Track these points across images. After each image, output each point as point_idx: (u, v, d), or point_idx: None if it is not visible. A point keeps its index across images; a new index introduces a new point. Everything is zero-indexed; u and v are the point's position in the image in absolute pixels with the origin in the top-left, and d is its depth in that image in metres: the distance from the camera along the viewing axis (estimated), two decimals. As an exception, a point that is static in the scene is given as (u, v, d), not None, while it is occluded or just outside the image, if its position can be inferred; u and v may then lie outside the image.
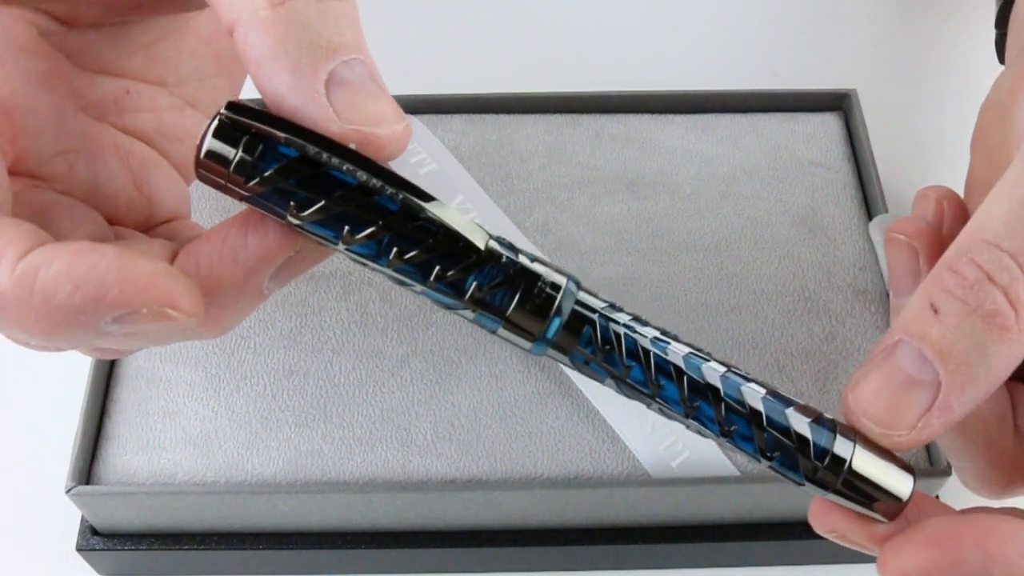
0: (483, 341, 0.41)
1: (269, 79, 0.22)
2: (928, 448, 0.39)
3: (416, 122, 0.47)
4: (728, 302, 0.42)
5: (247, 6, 0.22)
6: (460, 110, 0.48)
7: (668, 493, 0.37)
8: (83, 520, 0.39)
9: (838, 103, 0.48)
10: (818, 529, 0.25)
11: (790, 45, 0.57)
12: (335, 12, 0.23)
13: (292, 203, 0.22)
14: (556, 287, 0.24)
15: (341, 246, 0.23)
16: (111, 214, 0.28)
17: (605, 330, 0.24)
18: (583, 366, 0.24)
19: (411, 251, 0.23)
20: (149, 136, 0.29)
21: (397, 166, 0.49)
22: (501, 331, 0.24)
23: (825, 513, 0.25)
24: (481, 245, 0.23)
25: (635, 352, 0.24)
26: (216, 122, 0.22)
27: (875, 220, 0.44)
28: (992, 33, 0.43)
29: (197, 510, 0.38)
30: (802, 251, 0.43)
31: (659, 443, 0.38)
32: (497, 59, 0.55)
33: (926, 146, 0.52)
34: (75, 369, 0.41)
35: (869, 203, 0.45)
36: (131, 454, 0.38)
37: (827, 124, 0.48)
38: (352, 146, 0.23)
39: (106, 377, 0.40)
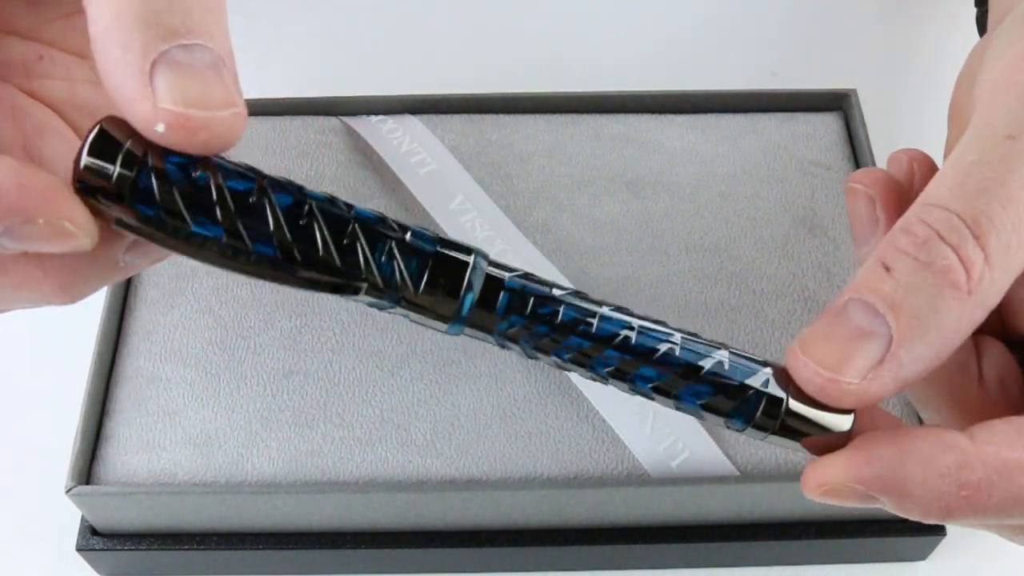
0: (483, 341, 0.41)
1: (101, 56, 0.21)
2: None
3: (416, 122, 0.47)
4: (728, 302, 0.42)
5: None
6: (460, 110, 0.48)
7: (668, 493, 0.37)
8: (83, 520, 0.39)
9: (838, 103, 0.48)
10: (812, 490, 0.24)
11: (790, 45, 0.57)
12: None
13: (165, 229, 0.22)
14: (463, 264, 0.23)
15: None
16: None
17: (523, 299, 0.23)
18: (505, 341, 0.24)
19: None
20: (59, 105, 0.28)
21: (398, 167, 0.49)
22: (413, 316, 0.24)
23: (816, 471, 0.24)
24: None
25: (552, 318, 0.24)
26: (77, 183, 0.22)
27: (875, 220, 0.44)
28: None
29: (197, 510, 0.38)
30: (802, 251, 0.43)
31: (659, 443, 0.38)
32: (497, 59, 0.55)
33: (926, 146, 0.52)
34: (75, 369, 0.41)
35: (869, 203, 0.45)
36: (131, 454, 0.38)
37: (827, 124, 0.48)
38: (160, 128, 0.21)
39: (106, 377, 0.40)
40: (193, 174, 0.22)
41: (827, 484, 0.23)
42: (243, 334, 0.41)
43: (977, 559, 0.41)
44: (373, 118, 0.47)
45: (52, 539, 0.41)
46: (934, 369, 0.25)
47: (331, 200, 0.23)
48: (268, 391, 0.40)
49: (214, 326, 0.41)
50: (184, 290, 0.42)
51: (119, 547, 0.39)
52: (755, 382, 0.24)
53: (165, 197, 0.22)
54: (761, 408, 0.24)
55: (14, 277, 0.23)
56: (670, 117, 0.48)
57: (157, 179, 0.22)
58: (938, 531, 0.39)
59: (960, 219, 0.22)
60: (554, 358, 0.24)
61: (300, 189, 0.23)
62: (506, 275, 0.24)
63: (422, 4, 0.58)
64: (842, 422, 0.23)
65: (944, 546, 0.41)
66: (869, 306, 0.23)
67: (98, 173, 0.22)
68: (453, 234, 0.42)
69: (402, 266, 0.23)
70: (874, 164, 0.45)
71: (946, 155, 0.29)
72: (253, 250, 0.23)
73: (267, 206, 0.22)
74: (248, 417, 0.39)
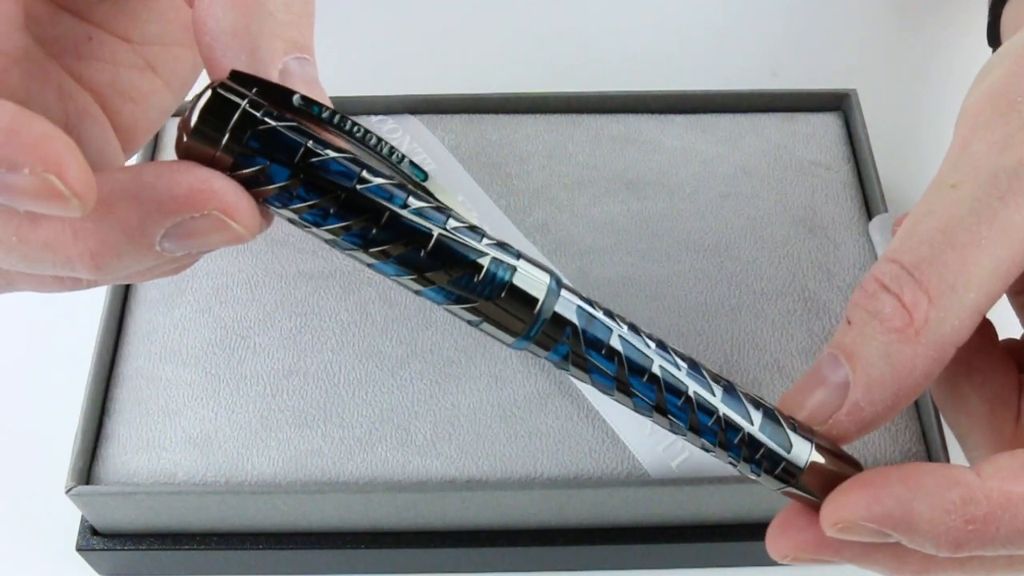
0: (483, 341, 0.41)
1: (224, 54, 0.22)
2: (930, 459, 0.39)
3: (416, 122, 0.47)
4: (728, 302, 0.42)
5: None
6: (460, 110, 0.48)
7: (668, 493, 0.37)
8: (83, 520, 0.39)
9: (838, 103, 0.48)
10: (775, 555, 0.26)
11: (790, 45, 0.57)
12: (300, 10, 0.23)
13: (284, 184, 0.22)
14: (540, 283, 0.24)
15: (325, 234, 0.23)
16: None
17: (589, 328, 0.24)
18: (564, 362, 0.24)
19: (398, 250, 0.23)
20: (103, 90, 0.28)
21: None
22: (484, 326, 0.24)
23: (777, 542, 0.26)
24: (485, 263, 0.23)
25: (613, 350, 0.24)
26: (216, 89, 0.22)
27: (875, 220, 0.44)
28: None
29: (197, 510, 0.38)
30: (802, 251, 0.43)
31: (659, 443, 0.38)
32: (497, 59, 0.55)
33: (926, 146, 0.52)
34: (75, 369, 0.41)
35: (869, 203, 0.45)
36: (131, 454, 0.38)
37: (827, 124, 0.48)
38: None
39: (106, 377, 0.40)
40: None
41: (842, 521, 0.24)
42: (243, 334, 0.41)
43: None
44: (373, 118, 0.47)
45: (52, 539, 0.41)
46: (976, 401, 0.27)
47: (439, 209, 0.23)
48: (268, 391, 0.40)
49: (214, 326, 0.41)
50: (184, 290, 0.42)
51: (119, 547, 0.39)
52: (787, 435, 0.25)
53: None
54: (780, 468, 0.25)
55: (44, 233, 0.22)
56: (670, 117, 0.48)
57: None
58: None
59: (903, 268, 0.25)
60: (608, 387, 0.25)
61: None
62: (578, 300, 0.24)
63: (422, 4, 0.58)
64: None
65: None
66: (834, 357, 0.25)
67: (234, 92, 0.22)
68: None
69: (484, 276, 0.23)
70: (874, 164, 0.45)
71: None
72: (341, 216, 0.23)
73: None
74: (248, 417, 0.39)
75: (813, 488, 0.25)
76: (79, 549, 0.39)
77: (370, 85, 0.49)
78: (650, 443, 0.38)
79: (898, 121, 0.53)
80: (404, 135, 0.46)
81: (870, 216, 0.45)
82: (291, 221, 0.23)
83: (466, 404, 0.39)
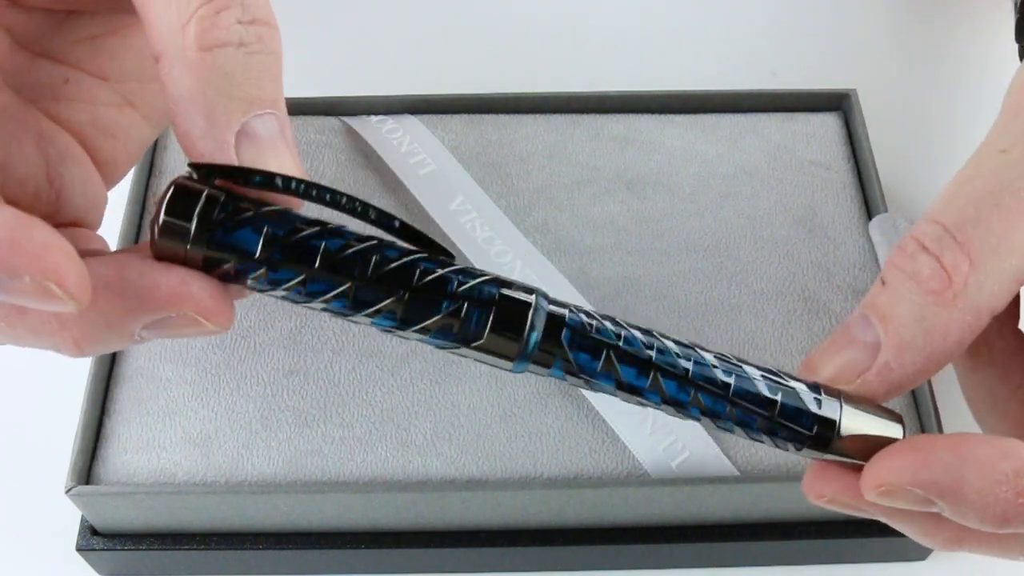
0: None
1: (183, 119, 0.23)
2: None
3: (416, 122, 0.47)
4: (728, 302, 0.42)
5: (175, 42, 0.23)
6: (460, 110, 0.48)
7: (668, 493, 0.37)
8: (83, 520, 0.39)
9: (838, 103, 0.48)
10: (811, 496, 0.25)
11: (790, 45, 0.57)
12: (258, 65, 0.24)
13: (264, 270, 0.23)
14: (526, 304, 0.24)
15: (318, 305, 0.23)
16: (15, 197, 0.27)
17: (582, 338, 0.24)
18: (565, 376, 0.25)
19: (380, 304, 0.23)
20: (83, 128, 0.28)
21: (398, 167, 0.49)
22: (483, 358, 0.24)
23: (818, 480, 0.25)
24: (464, 303, 0.23)
25: (613, 356, 0.24)
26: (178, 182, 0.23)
27: (875, 220, 0.44)
28: (993, 36, 0.43)
29: (197, 510, 0.38)
30: (802, 251, 0.43)
31: (659, 443, 0.38)
32: (497, 59, 0.55)
33: (926, 146, 0.52)
34: (75, 369, 0.41)
35: (869, 203, 0.45)
36: (131, 454, 0.38)
37: (827, 124, 0.48)
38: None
39: (106, 377, 0.40)
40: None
41: (885, 484, 0.23)
42: (243, 334, 0.41)
43: (977, 560, 0.41)
44: (373, 118, 0.47)
45: (52, 539, 0.41)
46: (1009, 400, 0.26)
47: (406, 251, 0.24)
48: (268, 391, 0.40)
49: (214, 326, 0.41)
50: (184, 290, 0.42)
51: (119, 547, 0.39)
52: (809, 403, 0.25)
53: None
54: (817, 427, 0.24)
55: (32, 322, 0.23)
56: (670, 117, 0.48)
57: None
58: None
59: (945, 229, 0.24)
60: (615, 390, 0.25)
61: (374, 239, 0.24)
62: (567, 312, 0.24)
63: (422, 4, 0.58)
64: (893, 432, 0.24)
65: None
66: (865, 318, 0.25)
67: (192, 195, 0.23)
68: (453, 234, 0.42)
69: (467, 312, 0.23)
70: (874, 164, 0.45)
71: None
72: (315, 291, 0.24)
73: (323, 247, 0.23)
74: (248, 417, 0.39)
75: (852, 452, 0.24)
76: (79, 549, 0.39)
77: (370, 85, 0.49)
78: (650, 443, 0.38)
79: (898, 121, 0.53)
80: (404, 135, 0.46)
81: (870, 216, 0.45)
82: (282, 298, 0.24)
83: (466, 404, 0.39)
